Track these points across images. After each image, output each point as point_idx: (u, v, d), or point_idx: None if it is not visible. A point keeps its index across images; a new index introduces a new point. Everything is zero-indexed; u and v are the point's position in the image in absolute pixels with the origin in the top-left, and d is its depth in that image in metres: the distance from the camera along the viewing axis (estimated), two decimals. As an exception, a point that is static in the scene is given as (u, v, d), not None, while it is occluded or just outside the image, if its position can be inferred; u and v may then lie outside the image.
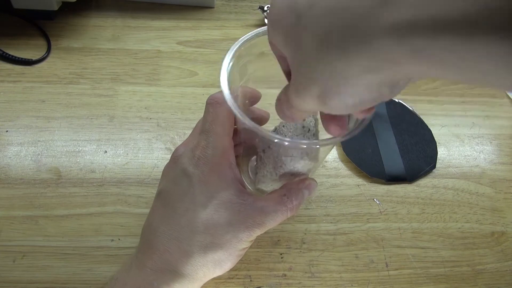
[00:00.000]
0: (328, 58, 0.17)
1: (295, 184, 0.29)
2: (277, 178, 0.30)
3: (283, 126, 0.29)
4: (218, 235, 0.26)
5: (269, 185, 0.31)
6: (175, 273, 0.26)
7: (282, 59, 0.23)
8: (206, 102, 0.28)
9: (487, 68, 0.13)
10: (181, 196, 0.27)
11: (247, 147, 0.31)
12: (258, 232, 0.27)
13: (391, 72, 0.16)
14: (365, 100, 0.18)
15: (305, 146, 0.24)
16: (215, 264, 0.27)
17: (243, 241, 0.27)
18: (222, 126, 0.27)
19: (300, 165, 0.29)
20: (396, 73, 0.16)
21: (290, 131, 0.29)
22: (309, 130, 0.29)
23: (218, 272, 0.28)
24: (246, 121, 0.23)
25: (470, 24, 0.12)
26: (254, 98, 0.30)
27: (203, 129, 0.27)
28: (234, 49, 0.26)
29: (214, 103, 0.27)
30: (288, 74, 0.24)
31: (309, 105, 0.20)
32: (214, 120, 0.27)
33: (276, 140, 0.23)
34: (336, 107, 0.19)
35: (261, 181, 0.31)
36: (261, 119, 0.31)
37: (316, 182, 0.30)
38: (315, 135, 0.29)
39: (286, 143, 0.23)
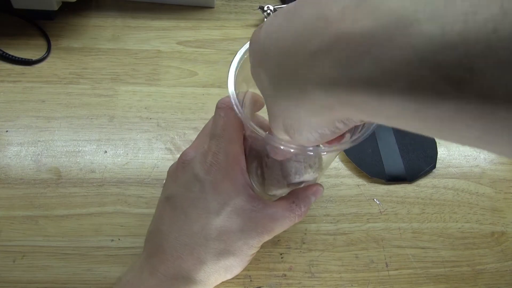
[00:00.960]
0: (281, 100, 0.18)
1: (303, 191, 0.29)
2: (285, 184, 0.30)
3: None
4: (231, 242, 0.26)
5: (278, 190, 0.31)
6: (188, 280, 0.26)
7: None
8: (216, 106, 0.28)
9: (404, 121, 0.14)
10: (193, 202, 0.27)
11: (255, 151, 0.31)
12: (267, 238, 0.27)
13: (332, 115, 0.17)
14: (325, 135, 0.19)
15: (312, 153, 0.24)
16: (226, 270, 0.27)
17: (253, 247, 0.27)
18: (234, 131, 0.27)
19: (306, 173, 0.29)
20: (337, 115, 0.17)
21: None
22: None
23: (229, 276, 0.28)
24: (255, 129, 0.23)
25: (378, 84, 0.13)
26: (260, 105, 0.30)
27: (214, 134, 0.27)
28: (241, 53, 0.26)
29: (226, 107, 0.27)
30: None
31: (283, 136, 0.22)
32: (225, 125, 0.27)
33: (282, 147, 0.23)
34: (301, 141, 0.20)
35: (268, 184, 0.31)
36: (263, 127, 0.31)
37: (322, 187, 0.30)
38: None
39: (292, 150, 0.23)
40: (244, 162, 0.28)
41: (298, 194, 0.29)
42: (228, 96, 0.25)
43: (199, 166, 0.27)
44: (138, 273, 0.27)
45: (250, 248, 0.27)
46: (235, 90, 0.25)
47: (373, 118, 0.15)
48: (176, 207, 0.27)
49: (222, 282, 0.33)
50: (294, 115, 0.18)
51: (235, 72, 0.25)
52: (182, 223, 0.27)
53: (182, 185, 0.28)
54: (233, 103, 0.24)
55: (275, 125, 0.21)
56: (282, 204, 0.28)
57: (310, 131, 0.19)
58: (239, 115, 0.24)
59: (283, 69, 0.17)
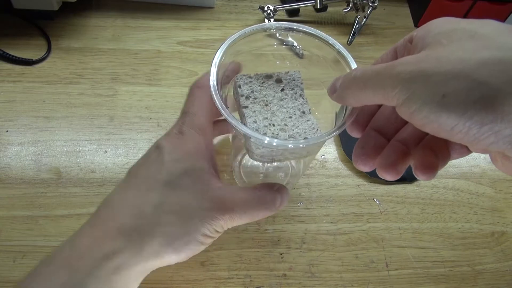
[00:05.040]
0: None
1: (270, 185, 0.28)
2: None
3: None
4: (174, 203, 0.25)
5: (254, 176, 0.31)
6: (132, 236, 0.24)
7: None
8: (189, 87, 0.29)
9: None
10: (148, 165, 0.27)
11: (238, 145, 0.31)
12: (220, 221, 0.25)
13: None
14: None
15: (291, 146, 0.24)
16: (169, 236, 0.25)
17: (207, 225, 0.25)
18: (199, 107, 0.28)
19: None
20: None
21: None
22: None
23: (171, 252, 0.25)
24: (224, 114, 0.23)
25: None
26: (236, 71, 0.29)
27: (181, 111, 0.28)
28: (229, 42, 0.26)
29: (194, 87, 0.29)
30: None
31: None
32: (192, 102, 0.28)
33: (266, 141, 0.23)
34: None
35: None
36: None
37: (287, 189, 0.28)
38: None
39: (275, 143, 0.23)
40: (212, 137, 0.29)
41: (264, 184, 0.28)
42: (203, 75, 0.25)
43: (163, 137, 0.28)
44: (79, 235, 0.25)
45: (203, 224, 0.25)
46: (217, 74, 0.25)
47: None
48: (129, 173, 0.28)
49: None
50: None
51: (220, 60, 0.26)
52: (129, 183, 0.27)
53: (143, 155, 0.28)
54: (213, 93, 0.24)
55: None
56: (242, 188, 0.27)
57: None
58: (221, 110, 0.24)
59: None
